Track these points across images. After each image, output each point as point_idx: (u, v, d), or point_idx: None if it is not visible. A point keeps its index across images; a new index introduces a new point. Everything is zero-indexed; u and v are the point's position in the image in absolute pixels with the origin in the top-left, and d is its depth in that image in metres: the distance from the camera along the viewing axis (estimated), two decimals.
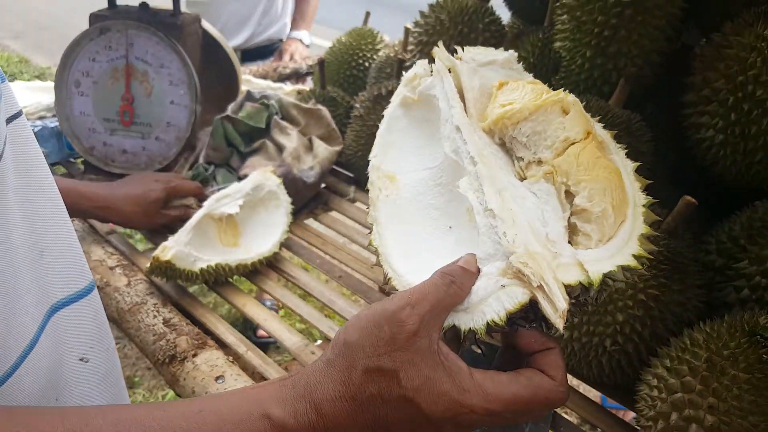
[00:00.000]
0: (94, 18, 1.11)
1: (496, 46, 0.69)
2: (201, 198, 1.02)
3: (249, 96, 1.25)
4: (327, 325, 0.83)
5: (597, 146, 0.47)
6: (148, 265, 0.81)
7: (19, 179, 0.41)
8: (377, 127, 1.16)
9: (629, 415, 0.91)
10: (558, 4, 0.86)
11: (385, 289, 0.51)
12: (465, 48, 0.57)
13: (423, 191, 0.56)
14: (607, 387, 0.76)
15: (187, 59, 1.08)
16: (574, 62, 0.82)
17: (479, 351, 0.55)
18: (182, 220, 0.98)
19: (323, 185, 1.21)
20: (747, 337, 0.57)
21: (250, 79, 1.51)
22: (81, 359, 0.48)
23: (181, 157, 1.13)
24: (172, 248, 0.78)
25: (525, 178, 0.50)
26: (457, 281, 0.44)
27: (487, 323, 0.43)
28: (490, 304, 0.43)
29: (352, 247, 1.05)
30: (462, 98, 0.53)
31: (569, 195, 0.47)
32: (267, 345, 2.09)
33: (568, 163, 0.46)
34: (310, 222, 1.12)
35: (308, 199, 1.15)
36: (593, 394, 0.89)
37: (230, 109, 1.21)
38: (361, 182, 1.24)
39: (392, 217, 0.54)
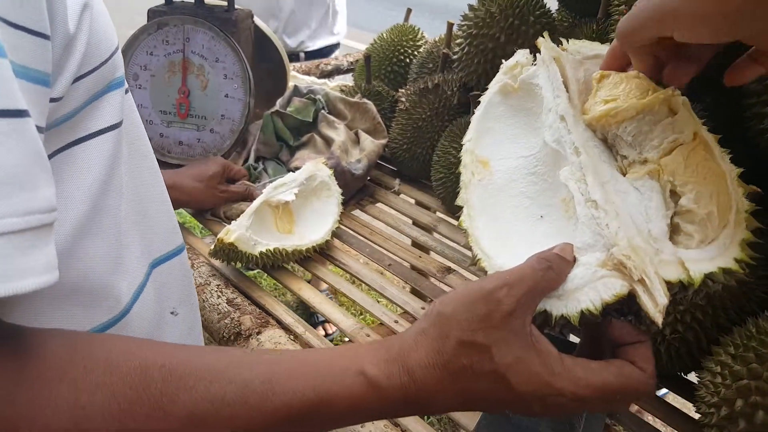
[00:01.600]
0: (152, 13, 1.15)
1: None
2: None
3: (296, 91, 1.28)
4: (380, 310, 0.85)
5: (704, 148, 0.47)
6: (211, 248, 0.84)
7: (127, 146, 0.45)
8: (423, 120, 1.20)
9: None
10: None
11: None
12: (570, 40, 0.57)
13: (516, 179, 0.56)
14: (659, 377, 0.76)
15: (241, 54, 1.11)
16: None
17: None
18: (244, 198, 1.01)
19: (368, 178, 1.23)
20: None
21: (296, 75, 1.55)
22: (172, 312, 0.52)
23: (233, 150, 1.17)
24: (235, 231, 0.81)
25: (626, 173, 0.49)
26: (555, 267, 0.44)
27: (582, 311, 0.43)
28: (585, 292, 0.43)
29: (400, 237, 1.07)
30: (566, 89, 0.54)
31: (674, 194, 0.46)
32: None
33: (676, 163, 0.46)
34: (357, 213, 1.14)
35: (356, 191, 1.17)
36: None
37: (279, 104, 1.24)
38: (404, 175, 1.26)
39: (483, 201, 0.55)
